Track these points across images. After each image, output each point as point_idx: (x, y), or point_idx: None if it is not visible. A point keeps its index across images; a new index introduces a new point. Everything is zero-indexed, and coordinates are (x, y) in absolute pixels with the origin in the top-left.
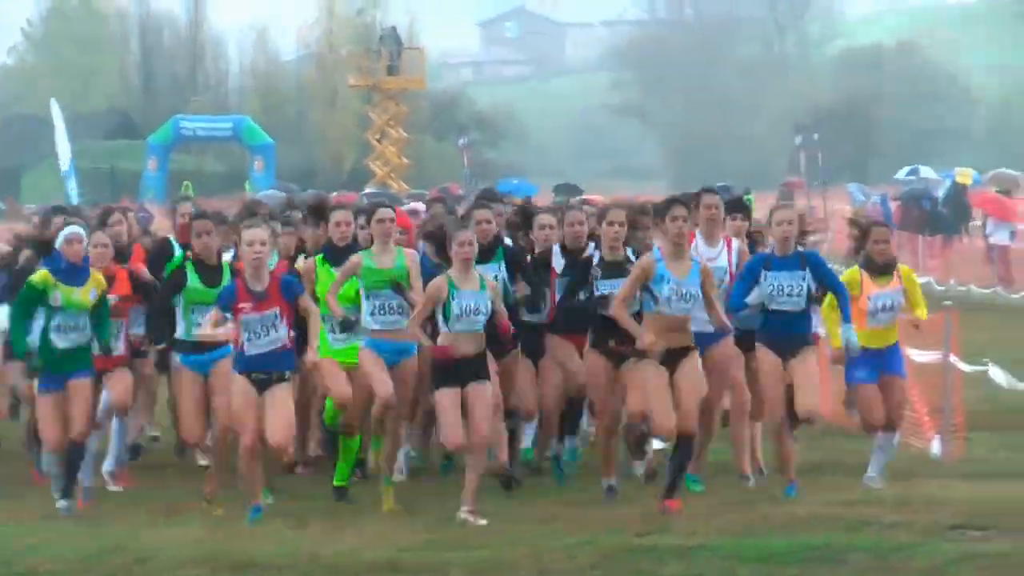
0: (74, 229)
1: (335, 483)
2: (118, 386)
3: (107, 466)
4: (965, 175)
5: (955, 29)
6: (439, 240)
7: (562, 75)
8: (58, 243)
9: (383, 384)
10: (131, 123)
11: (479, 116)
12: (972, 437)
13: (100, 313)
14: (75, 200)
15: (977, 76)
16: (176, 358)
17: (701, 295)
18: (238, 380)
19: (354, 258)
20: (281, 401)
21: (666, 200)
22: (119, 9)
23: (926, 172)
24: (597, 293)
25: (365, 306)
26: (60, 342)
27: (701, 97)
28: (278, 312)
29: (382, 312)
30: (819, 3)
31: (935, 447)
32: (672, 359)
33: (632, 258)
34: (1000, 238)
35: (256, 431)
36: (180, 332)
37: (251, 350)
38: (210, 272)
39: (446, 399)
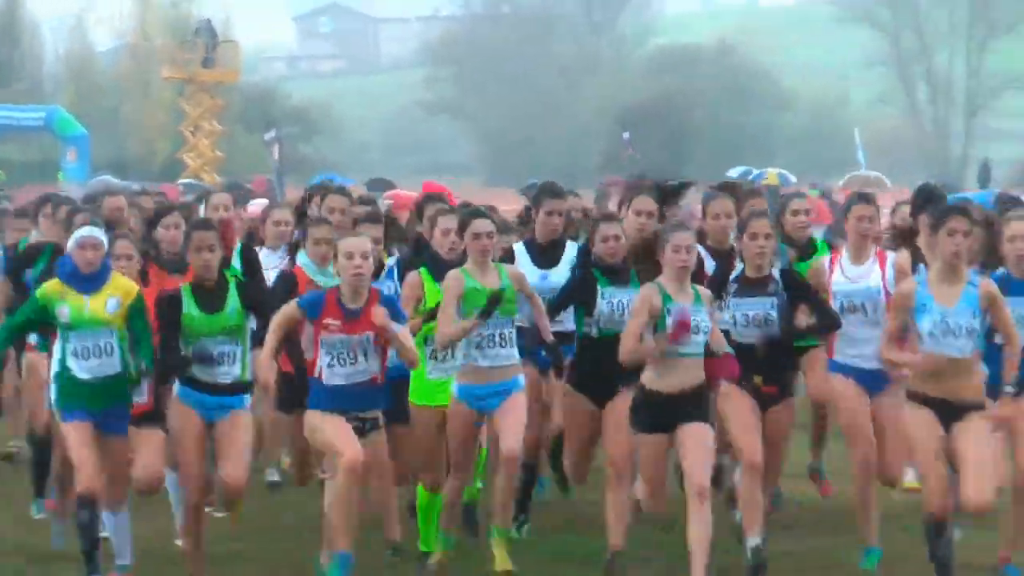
0: (89, 233)
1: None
2: (145, 456)
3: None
4: (771, 176)
5: (772, 31)
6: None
7: (377, 71)
8: (69, 247)
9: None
10: None
11: (293, 110)
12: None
13: (135, 328)
14: None
15: (793, 78)
16: (175, 388)
17: (977, 328)
18: (321, 415)
19: (452, 278)
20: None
21: (941, 210)
22: None
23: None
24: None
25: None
26: (81, 371)
27: (516, 93)
28: (371, 337)
29: (491, 344)
30: (635, 2)
31: None
32: (949, 416)
33: (776, 276)
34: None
35: (359, 450)
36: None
37: (330, 379)
38: (210, 296)
39: (649, 450)
